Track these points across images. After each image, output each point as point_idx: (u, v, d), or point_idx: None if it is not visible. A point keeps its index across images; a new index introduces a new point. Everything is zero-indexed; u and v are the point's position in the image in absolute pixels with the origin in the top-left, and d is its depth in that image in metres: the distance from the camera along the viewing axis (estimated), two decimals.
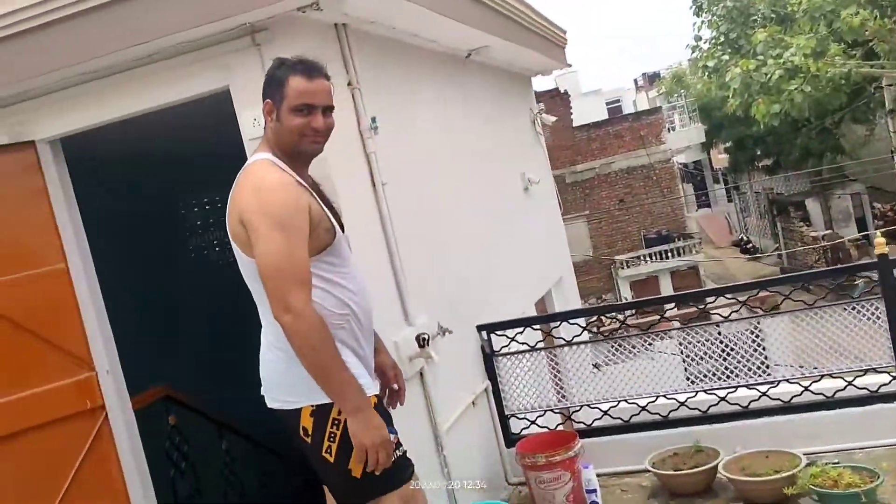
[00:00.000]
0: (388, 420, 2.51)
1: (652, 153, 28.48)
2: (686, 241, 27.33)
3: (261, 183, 2.35)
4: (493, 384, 4.43)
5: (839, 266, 4.35)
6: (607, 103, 38.89)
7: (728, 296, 4.48)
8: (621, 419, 4.29)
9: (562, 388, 4.48)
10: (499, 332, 4.45)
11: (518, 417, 4.48)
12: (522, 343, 4.42)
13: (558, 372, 4.39)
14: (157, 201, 5.67)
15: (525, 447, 4.05)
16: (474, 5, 4.43)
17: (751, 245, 34.29)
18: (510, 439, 4.42)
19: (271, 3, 2.84)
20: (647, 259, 27.09)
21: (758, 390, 4.04)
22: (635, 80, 59.45)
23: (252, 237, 2.29)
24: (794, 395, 3.98)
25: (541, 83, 28.17)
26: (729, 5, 15.67)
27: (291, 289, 2.22)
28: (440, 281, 4.14)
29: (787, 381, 3.98)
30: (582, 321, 4.45)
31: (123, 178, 4.99)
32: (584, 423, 4.44)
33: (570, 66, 7.11)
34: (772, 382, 4.00)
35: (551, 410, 4.45)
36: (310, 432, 2.41)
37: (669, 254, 26.79)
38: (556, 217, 7.49)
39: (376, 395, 2.51)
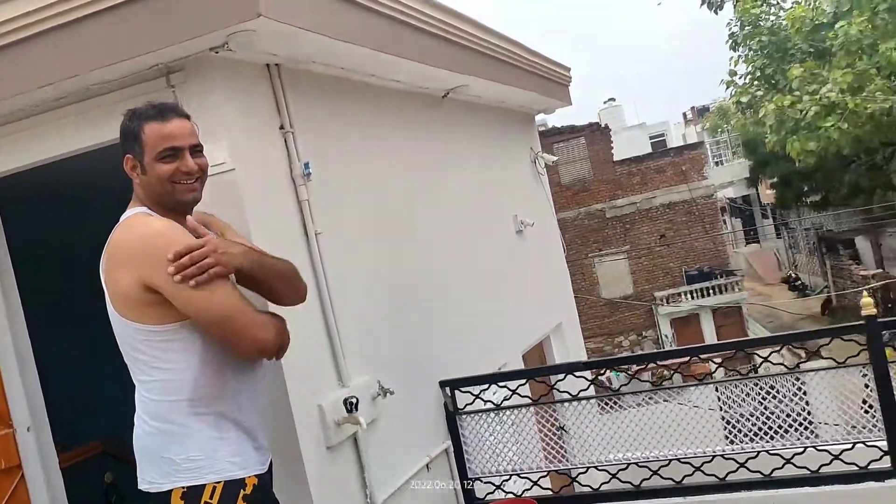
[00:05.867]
0: None
1: (694, 188, 27.90)
2: (729, 279, 26.55)
3: (146, 233, 2.19)
4: (455, 445, 4.14)
5: (826, 327, 4.00)
6: (651, 137, 38.39)
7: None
8: (590, 487, 3.97)
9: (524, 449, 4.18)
10: (463, 389, 4.17)
11: (483, 481, 4.18)
12: (487, 401, 4.13)
13: (515, 433, 4.08)
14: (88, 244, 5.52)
15: None
16: (443, 44, 4.22)
17: (799, 282, 33.25)
18: None
19: (173, 43, 2.66)
20: (689, 296, 26.40)
21: (735, 461, 3.68)
22: (684, 114, 58.86)
23: (174, 293, 2.11)
24: (776, 468, 3.61)
25: (583, 117, 27.93)
26: (764, 40, 15.19)
27: (253, 327, 2.22)
28: (395, 336, 3.87)
29: (768, 452, 3.62)
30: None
31: (53, 219, 4.85)
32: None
33: (570, 104, 6.85)
34: (752, 454, 3.65)
35: (517, 474, 4.12)
36: None
37: (711, 291, 26.07)
38: (559, 259, 7.18)
39: (258, 476, 2.28)
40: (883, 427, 3.38)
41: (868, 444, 3.43)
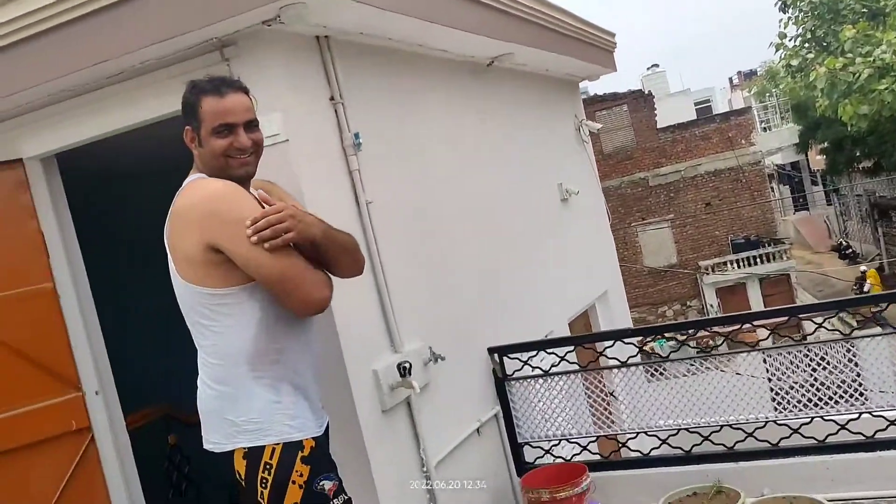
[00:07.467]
0: (332, 468, 2.39)
1: (741, 155, 27.35)
2: (776, 247, 26.07)
3: (208, 194, 2.24)
4: (504, 410, 4.20)
5: (883, 293, 3.92)
6: (696, 103, 37.62)
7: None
8: (640, 452, 4.00)
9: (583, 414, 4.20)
10: (511, 356, 4.21)
11: (532, 446, 4.23)
12: (536, 367, 4.17)
13: (563, 399, 4.11)
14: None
15: (530, 481, 3.81)
16: (488, 13, 4.21)
17: (850, 250, 32.48)
18: (523, 469, 4.18)
19: (226, 17, 2.71)
20: (735, 265, 26.01)
21: (789, 427, 3.67)
22: (730, 79, 57.42)
23: (236, 250, 2.17)
24: (830, 434, 3.59)
25: (625, 83, 27.51)
26: (815, 1, 14.77)
27: (311, 284, 2.27)
28: (445, 303, 3.93)
29: (822, 418, 3.60)
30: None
31: (123, 194, 4.94)
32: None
33: (615, 70, 6.76)
34: (805, 419, 3.63)
35: (567, 439, 4.17)
36: (243, 476, 2.30)
37: (758, 259, 25.64)
38: (604, 228, 7.14)
39: (314, 438, 2.36)
40: None
41: None
